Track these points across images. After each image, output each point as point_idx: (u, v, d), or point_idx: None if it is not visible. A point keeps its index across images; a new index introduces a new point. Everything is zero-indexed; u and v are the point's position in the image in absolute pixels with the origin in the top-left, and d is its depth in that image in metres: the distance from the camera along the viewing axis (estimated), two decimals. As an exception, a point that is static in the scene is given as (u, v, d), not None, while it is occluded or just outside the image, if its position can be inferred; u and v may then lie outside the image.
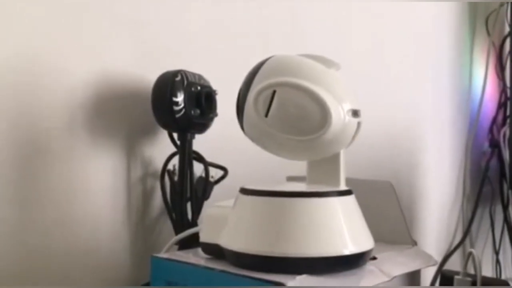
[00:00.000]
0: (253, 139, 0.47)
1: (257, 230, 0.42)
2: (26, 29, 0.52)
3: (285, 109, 0.43)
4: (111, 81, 0.58)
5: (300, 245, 0.41)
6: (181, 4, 0.64)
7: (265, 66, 0.45)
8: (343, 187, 0.46)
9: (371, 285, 0.42)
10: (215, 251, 0.45)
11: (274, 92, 0.43)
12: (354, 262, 0.43)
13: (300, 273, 0.40)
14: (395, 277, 0.44)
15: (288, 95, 0.43)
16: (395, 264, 0.47)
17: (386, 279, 0.43)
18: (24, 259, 0.52)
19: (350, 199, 0.45)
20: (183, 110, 0.56)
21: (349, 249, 0.42)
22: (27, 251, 0.52)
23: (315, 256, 0.41)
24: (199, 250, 0.48)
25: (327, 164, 0.46)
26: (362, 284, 0.41)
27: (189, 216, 0.60)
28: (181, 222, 0.59)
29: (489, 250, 1.17)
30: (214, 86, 0.60)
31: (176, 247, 0.57)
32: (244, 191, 0.45)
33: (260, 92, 0.44)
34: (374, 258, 0.46)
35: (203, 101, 0.57)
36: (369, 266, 0.44)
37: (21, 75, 0.52)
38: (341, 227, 0.42)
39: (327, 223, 0.42)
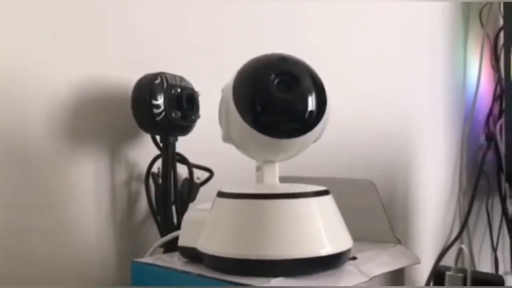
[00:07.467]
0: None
1: (232, 233, 0.42)
2: (9, 35, 0.51)
3: None
4: (93, 85, 0.58)
5: (276, 247, 0.40)
6: (165, 7, 0.64)
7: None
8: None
9: (349, 285, 0.41)
10: (193, 255, 0.45)
11: None
12: (332, 263, 0.42)
13: (276, 275, 0.40)
14: (374, 277, 0.44)
15: None
16: (375, 263, 0.46)
17: (365, 279, 0.43)
18: (7, 264, 0.51)
19: (327, 199, 0.44)
20: (164, 113, 0.56)
21: (326, 250, 0.41)
22: (11, 256, 0.52)
23: (291, 257, 0.40)
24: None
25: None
26: (340, 285, 0.41)
27: (175, 218, 0.60)
28: (166, 224, 0.59)
29: (487, 245, 1.16)
30: (197, 88, 0.60)
31: (162, 249, 0.57)
32: (220, 194, 0.44)
33: None
34: (354, 258, 0.46)
35: (184, 103, 0.57)
36: (348, 266, 0.44)
37: (3, 81, 0.51)
38: (317, 228, 0.42)
39: (303, 224, 0.42)
